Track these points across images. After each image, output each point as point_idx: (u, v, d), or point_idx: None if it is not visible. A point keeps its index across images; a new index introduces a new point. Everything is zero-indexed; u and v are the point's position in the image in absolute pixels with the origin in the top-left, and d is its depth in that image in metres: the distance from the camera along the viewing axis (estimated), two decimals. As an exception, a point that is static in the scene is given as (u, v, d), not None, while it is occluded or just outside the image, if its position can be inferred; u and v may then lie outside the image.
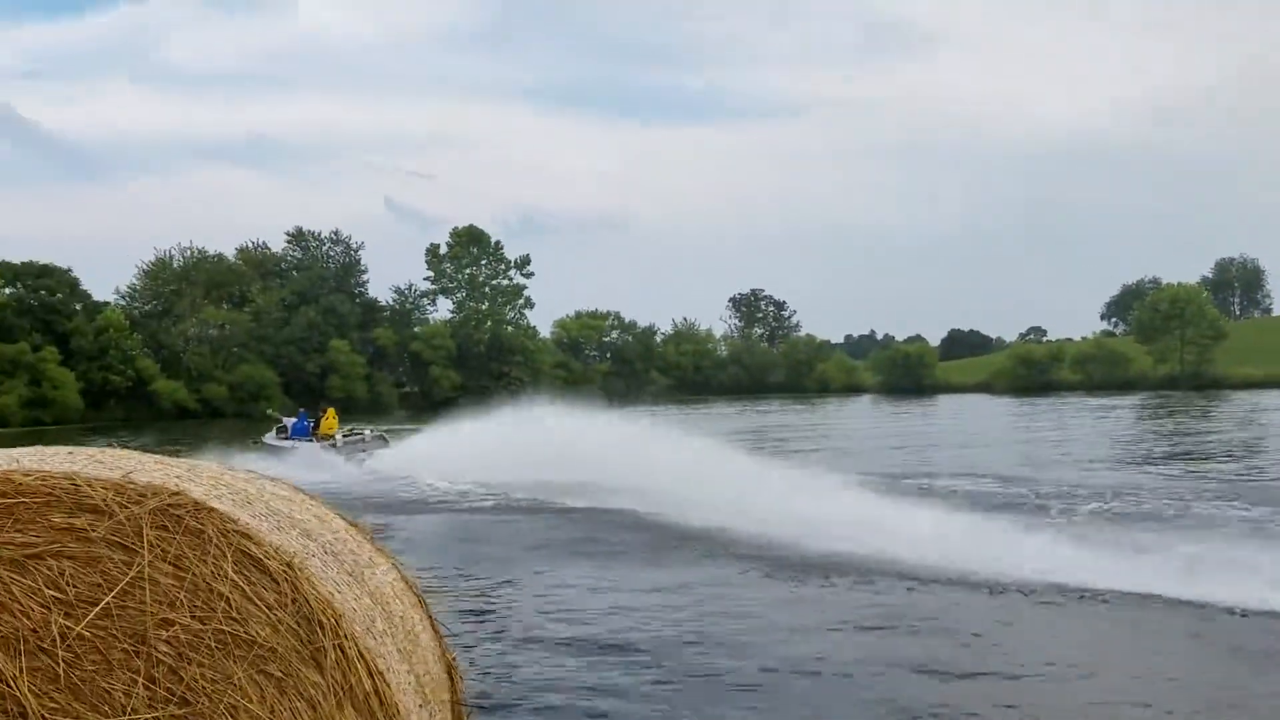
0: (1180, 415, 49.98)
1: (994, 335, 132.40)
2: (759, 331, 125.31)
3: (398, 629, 3.51)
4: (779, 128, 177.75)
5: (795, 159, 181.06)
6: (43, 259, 77.15)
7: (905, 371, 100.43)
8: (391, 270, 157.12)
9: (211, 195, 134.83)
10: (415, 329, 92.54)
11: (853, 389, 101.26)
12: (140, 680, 2.63)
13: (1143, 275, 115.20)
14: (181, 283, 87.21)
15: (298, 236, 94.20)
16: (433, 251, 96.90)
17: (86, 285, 78.37)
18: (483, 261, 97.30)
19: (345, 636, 2.97)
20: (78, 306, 76.85)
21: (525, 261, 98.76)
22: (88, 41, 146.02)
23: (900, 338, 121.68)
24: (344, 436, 29.06)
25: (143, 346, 78.08)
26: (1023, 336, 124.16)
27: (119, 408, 74.09)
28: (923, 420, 54.36)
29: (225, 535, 2.89)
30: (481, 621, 9.86)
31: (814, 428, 48.17)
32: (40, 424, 62.86)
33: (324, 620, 2.94)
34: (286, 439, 28.76)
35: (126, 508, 2.77)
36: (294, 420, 30.23)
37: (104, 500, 2.76)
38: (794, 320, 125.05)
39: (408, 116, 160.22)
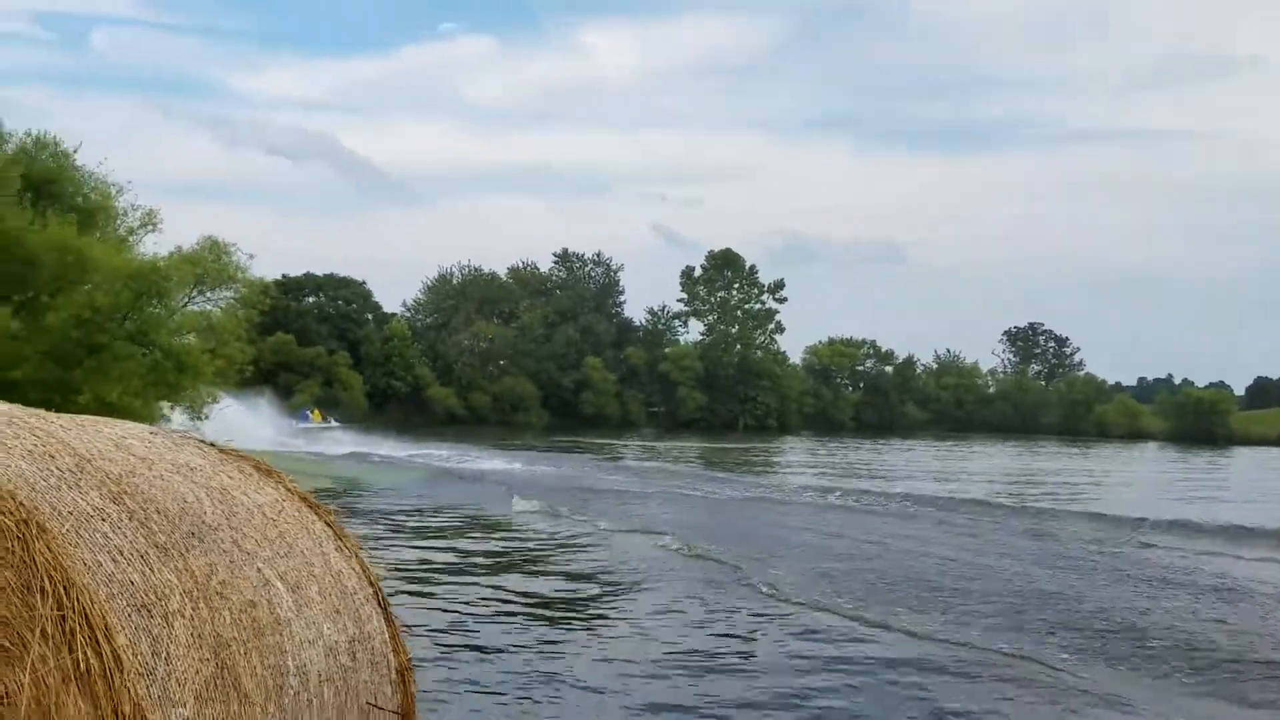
0: None
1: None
2: (1035, 368, 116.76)
3: (223, 615, 3.16)
4: (1066, 158, 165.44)
5: (1083, 190, 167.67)
6: (343, 272, 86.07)
7: (1196, 419, 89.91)
8: (650, 292, 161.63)
9: (495, 219, 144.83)
10: (665, 350, 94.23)
11: (1135, 435, 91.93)
12: None
13: None
14: (459, 298, 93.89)
15: (563, 258, 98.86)
16: (687, 274, 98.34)
17: (378, 298, 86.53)
18: (735, 285, 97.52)
19: (72, 608, 2.64)
20: (369, 316, 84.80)
21: (779, 286, 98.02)
22: (396, 77, 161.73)
23: (1201, 384, 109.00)
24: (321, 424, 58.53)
25: (421, 355, 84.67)
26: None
27: (398, 410, 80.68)
28: (1181, 470, 48.08)
29: (-45, 482, 2.65)
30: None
31: (1064, 473, 43.90)
32: (328, 422, 69.64)
33: (48, 586, 2.62)
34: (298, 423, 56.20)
35: None
36: (301, 411, 61.84)
37: None
38: (1076, 358, 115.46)
39: (681, 147, 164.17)
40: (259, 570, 3.72)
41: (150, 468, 3.57)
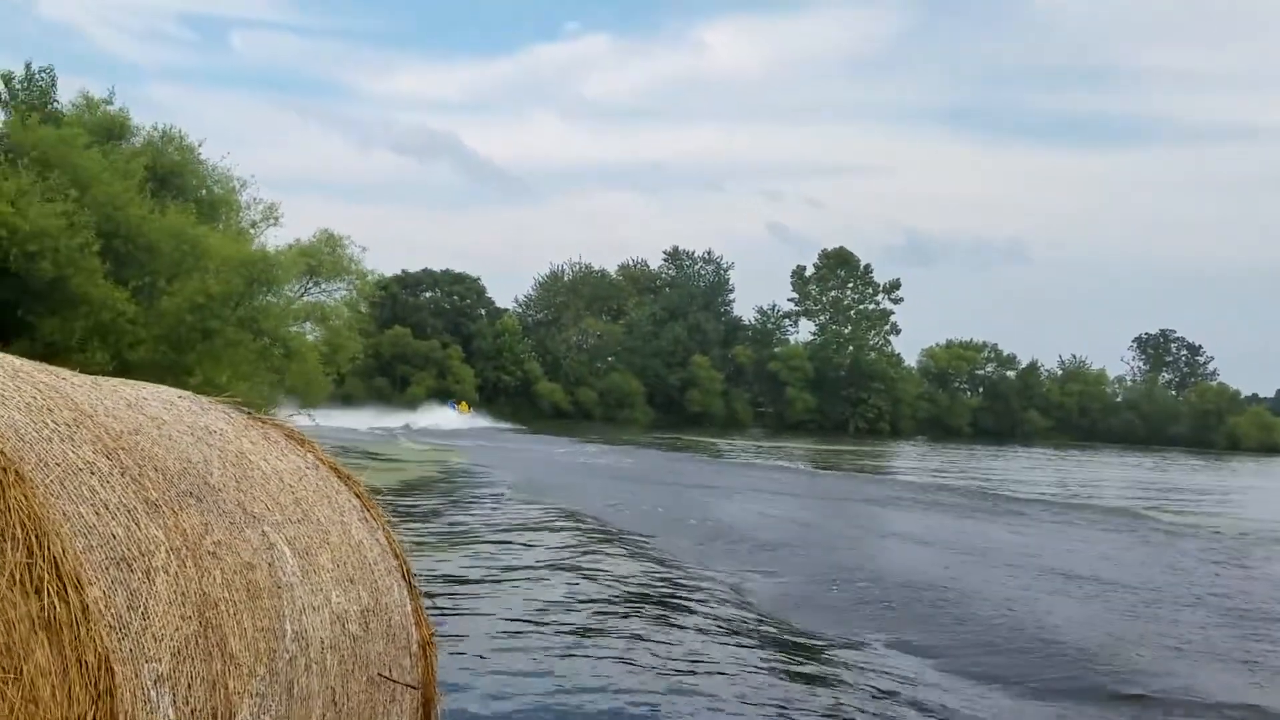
0: None
1: None
2: (1166, 377, 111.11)
3: (213, 574, 3.17)
4: (1204, 157, 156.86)
5: (1221, 191, 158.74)
6: (460, 268, 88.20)
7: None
8: (762, 291, 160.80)
9: (609, 217, 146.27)
10: (775, 349, 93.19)
11: (1270, 449, 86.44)
12: None
13: None
14: (569, 294, 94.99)
15: (673, 255, 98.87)
16: (798, 273, 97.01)
17: (492, 293, 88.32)
18: (849, 285, 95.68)
19: (42, 556, 2.65)
20: (482, 311, 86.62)
21: (895, 286, 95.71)
22: (520, 76, 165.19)
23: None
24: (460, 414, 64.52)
25: (531, 351, 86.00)
26: None
27: (507, 404, 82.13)
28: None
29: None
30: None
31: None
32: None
33: (19, 534, 2.64)
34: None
35: None
36: (450, 403, 67.18)
37: None
38: (1210, 367, 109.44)
39: (797, 143, 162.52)
40: (263, 534, 3.70)
41: (159, 427, 3.59)
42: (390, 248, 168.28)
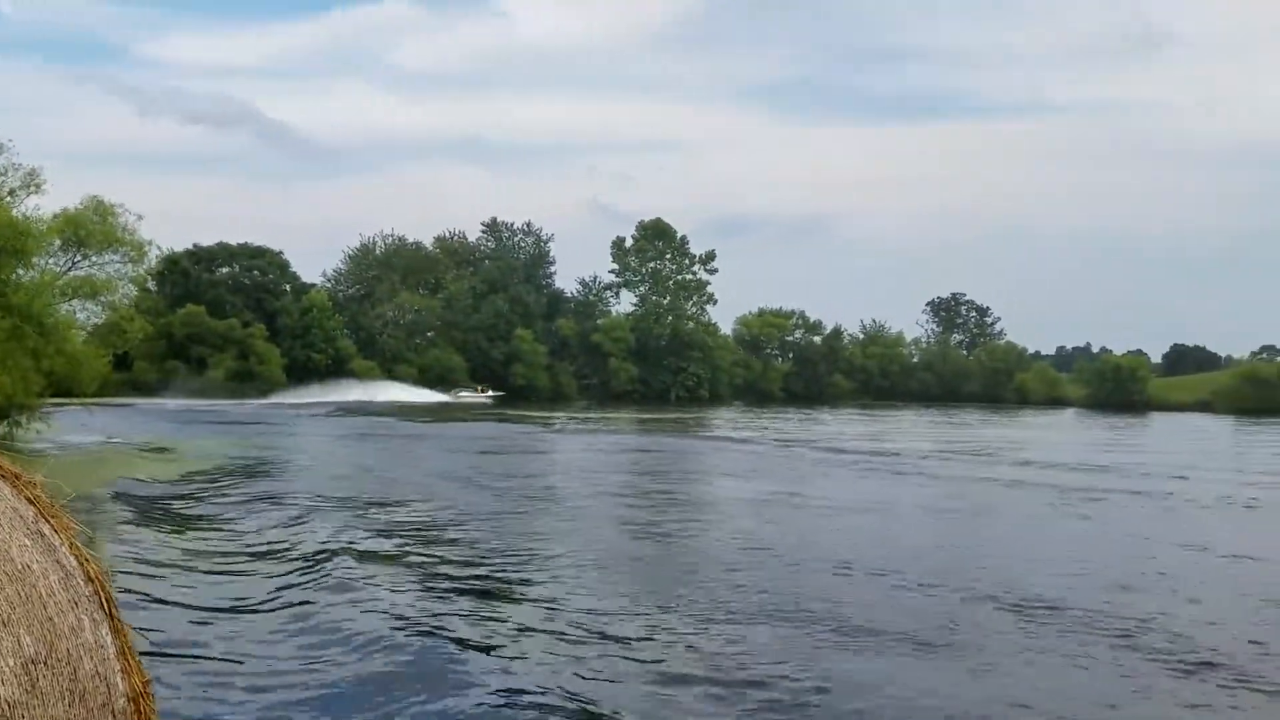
0: None
1: (1223, 353, 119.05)
2: (958, 338, 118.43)
3: None
4: (994, 129, 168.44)
5: (1010, 161, 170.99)
6: (259, 241, 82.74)
7: (1115, 386, 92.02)
8: (582, 265, 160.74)
9: (422, 189, 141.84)
10: (598, 321, 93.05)
11: (1055, 402, 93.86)
12: None
13: None
14: (382, 268, 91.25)
15: (492, 227, 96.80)
16: (618, 245, 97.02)
17: (296, 268, 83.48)
18: (667, 256, 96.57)
19: None
20: (287, 287, 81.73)
21: (710, 257, 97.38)
22: (322, 42, 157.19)
23: (1119, 352, 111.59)
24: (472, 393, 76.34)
25: (343, 328, 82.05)
26: (1255, 355, 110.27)
27: (318, 385, 78.09)
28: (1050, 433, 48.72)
29: None
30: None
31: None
32: (244, 397, 66.97)
33: None
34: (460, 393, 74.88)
35: None
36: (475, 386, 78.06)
37: None
38: (997, 328, 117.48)
39: (615, 117, 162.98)
40: None
41: None
42: (182, 223, 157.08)
